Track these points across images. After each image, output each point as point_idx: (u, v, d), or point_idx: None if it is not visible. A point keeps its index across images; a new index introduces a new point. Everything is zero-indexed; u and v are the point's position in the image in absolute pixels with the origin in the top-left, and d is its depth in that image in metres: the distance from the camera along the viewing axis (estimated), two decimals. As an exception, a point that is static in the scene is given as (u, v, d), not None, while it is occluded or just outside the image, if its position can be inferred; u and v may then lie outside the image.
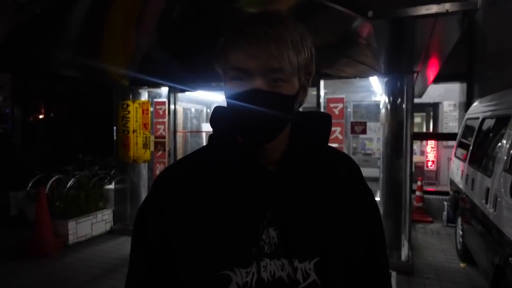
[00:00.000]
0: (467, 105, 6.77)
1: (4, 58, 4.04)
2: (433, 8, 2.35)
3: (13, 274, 4.28)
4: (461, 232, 4.62)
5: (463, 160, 4.67)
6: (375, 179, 6.00)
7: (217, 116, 0.85)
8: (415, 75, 4.50)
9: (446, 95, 9.09)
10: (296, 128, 0.82)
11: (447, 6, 2.35)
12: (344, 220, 0.81)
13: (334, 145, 4.69)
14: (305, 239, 0.76)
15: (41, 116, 11.51)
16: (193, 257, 0.75)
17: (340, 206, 0.82)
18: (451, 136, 7.21)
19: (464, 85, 7.35)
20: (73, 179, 6.28)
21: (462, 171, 4.59)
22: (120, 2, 3.57)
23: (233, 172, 0.79)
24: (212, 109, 0.88)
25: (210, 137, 0.85)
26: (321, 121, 0.86)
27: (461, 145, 5.15)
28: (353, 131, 4.84)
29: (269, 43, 0.69)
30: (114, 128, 6.03)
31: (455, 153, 5.38)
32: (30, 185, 6.64)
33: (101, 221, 5.88)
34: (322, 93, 4.93)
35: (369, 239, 0.86)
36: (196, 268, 0.75)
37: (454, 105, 8.91)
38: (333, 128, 4.65)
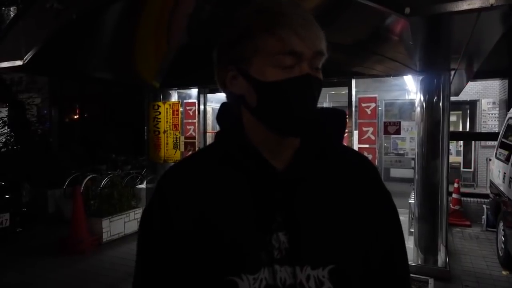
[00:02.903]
0: (509, 103, 6.42)
1: (43, 62, 4.19)
2: (476, 3, 2.20)
3: (51, 270, 4.46)
4: (503, 238, 4.38)
5: (506, 161, 4.42)
6: (408, 180, 5.81)
7: (224, 112, 0.81)
8: (452, 72, 4.31)
9: (484, 92, 8.69)
10: None
11: (491, 0, 2.20)
12: (360, 224, 0.76)
13: (365, 146, 4.57)
14: (317, 245, 0.71)
15: (76, 117, 11.97)
16: (198, 260, 0.71)
17: (355, 209, 0.76)
18: (491, 136, 6.86)
19: (505, 81, 6.98)
20: (106, 178, 6.46)
21: (505, 173, 4.35)
22: (151, 6, 3.62)
23: (240, 171, 0.74)
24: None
25: (217, 135, 0.80)
26: (336, 118, 0.80)
27: (503, 145, 4.88)
28: (386, 132, 4.70)
29: (315, 26, 0.68)
30: (145, 128, 6.15)
31: (496, 154, 5.11)
32: (66, 183, 6.89)
33: (133, 219, 6.02)
34: (353, 91, 4.81)
35: (387, 245, 0.79)
36: (202, 272, 0.71)
37: (494, 102, 8.50)
38: (365, 129, 4.56)
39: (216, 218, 0.72)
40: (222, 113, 0.81)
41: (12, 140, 9.08)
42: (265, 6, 0.70)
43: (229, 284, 0.69)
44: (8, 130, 9.26)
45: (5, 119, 9.52)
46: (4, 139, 9.17)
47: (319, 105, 0.79)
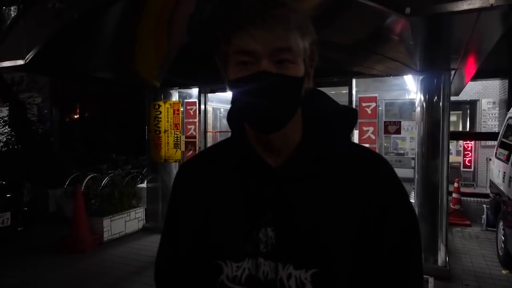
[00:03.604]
0: (508, 102, 6.43)
1: (45, 62, 4.20)
2: (477, 3, 2.22)
3: (52, 269, 4.47)
4: (503, 237, 4.39)
5: (505, 161, 4.43)
6: (408, 180, 5.81)
7: (234, 111, 0.85)
8: (452, 72, 4.32)
9: (484, 92, 8.69)
10: (314, 122, 0.78)
11: (491, 0, 2.21)
12: (358, 229, 0.72)
13: (366, 145, 4.56)
14: (303, 246, 0.71)
15: (76, 117, 11.98)
16: (196, 244, 0.80)
17: (355, 212, 0.72)
18: (491, 136, 6.86)
19: (505, 81, 6.98)
20: (107, 178, 6.47)
21: (504, 172, 4.36)
22: (152, 6, 3.63)
23: (237, 168, 0.79)
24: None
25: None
26: (344, 117, 0.80)
27: (502, 145, 4.89)
28: (386, 131, 4.71)
29: (274, 23, 0.67)
30: (146, 128, 6.16)
31: (496, 153, 5.12)
32: (67, 183, 6.90)
33: (134, 219, 6.03)
34: (354, 91, 4.82)
35: (397, 251, 0.74)
36: (195, 252, 0.80)
37: (494, 102, 8.50)
38: (365, 128, 4.58)
39: (213, 210, 0.79)
40: (230, 111, 0.86)
41: (13, 139, 9.09)
42: (236, 10, 0.72)
43: (215, 267, 0.76)
44: (9, 129, 9.27)
45: (6, 118, 9.54)
46: (5, 139, 9.19)
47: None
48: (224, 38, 0.72)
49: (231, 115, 0.85)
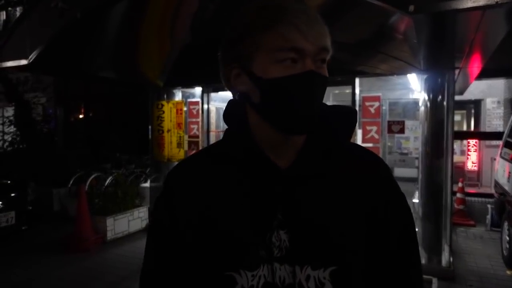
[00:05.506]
0: (514, 102, 6.38)
1: (48, 61, 4.22)
2: (481, 0, 2.20)
3: (56, 268, 4.49)
4: (507, 237, 4.36)
5: (510, 161, 4.40)
6: (412, 180, 5.79)
7: (231, 110, 0.80)
8: (457, 71, 4.29)
9: (489, 92, 8.62)
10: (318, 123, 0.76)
11: (496, -2, 2.19)
12: (366, 225, 0.73)
13: (369, 145, 4.56)
14: (319, 245, 0.70)
15: (81, 116, 12.02)
16: (200, 254, 0.73)
17: (361, 209, 0.74)
18: (496, 135, 6.81)
19: (510, 80, 6.93)
20: (110, 177, 6.48)
21: (509, 172, 4.33)
22: (155, 5, 3.63)
23: (243, 170, 0.74)
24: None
25: (225, 133, 0.81)
26: (345, 117, 0.79)
27: (507, 145, 4.86)
28: (390, 131, 4.68)
29: (317, 22, 0.66)
30: (149, 127, 6.17)
31: (500, 153, 5.09)
32: (71, 182, 6.92)
33: (137, 218, 6.05)
34: (357, 90, 4.80)
35: (397, 246, 0.76)
36: (203, 266, 0.73)
37: (498, 102, 8.43)
38: (368, 127, 4.56)
39: (218, 215, 0.73)
40: (229, 111, 0.81)
41: (18, 139, 9.15)
42: (267, 3, 0.69)
43: (227, 279, 0.70)
44: (14, 129, 9.33)
45: (11, 118, 9.60)
46: (10, 138, 9.24)
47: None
48: (259, 29, 0.67)
49: (230, 113, 0.80)
